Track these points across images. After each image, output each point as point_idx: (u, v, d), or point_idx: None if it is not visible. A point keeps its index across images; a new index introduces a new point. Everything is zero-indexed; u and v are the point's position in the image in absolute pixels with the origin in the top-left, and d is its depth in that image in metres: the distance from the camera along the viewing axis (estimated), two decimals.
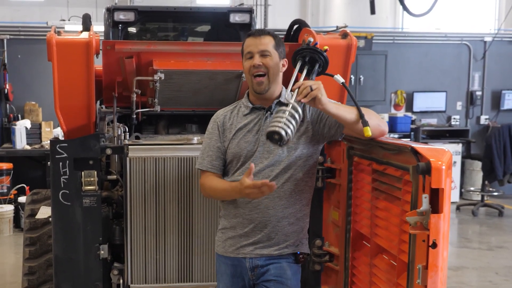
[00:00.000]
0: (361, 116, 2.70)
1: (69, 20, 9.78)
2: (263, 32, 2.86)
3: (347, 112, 2.72)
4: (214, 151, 2.93)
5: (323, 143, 3.02)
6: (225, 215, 2.97)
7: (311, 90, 2.59)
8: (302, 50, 2.83)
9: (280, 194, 2.84)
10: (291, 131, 2.57)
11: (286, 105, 2.61)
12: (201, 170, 2.98)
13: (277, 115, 2.60)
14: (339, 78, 2.82)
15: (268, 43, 2.82)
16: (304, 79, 2.78)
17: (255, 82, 2.83)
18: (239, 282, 2.93)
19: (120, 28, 5.04)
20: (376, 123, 2.79)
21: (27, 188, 8.27)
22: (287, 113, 2.58)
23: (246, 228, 2.87)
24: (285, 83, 2.95)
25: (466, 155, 10.31)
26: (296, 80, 2.76)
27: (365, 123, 2.67)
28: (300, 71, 2.84)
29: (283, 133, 2.54)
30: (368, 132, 2.66)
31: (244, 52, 2.88)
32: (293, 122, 2.59)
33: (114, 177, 3.78)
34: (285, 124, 2.55)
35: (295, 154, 2.83)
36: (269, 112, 2.88)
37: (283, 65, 2.90)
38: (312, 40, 2.88)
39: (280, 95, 2.91)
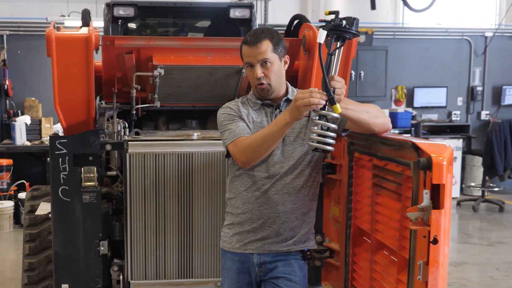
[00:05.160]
0: (328, 95, 2.53)
1: (69, 16, 9.74)
2: (258, 39, 2.74)
3: (363, 113, 2.69)
4: (242, 125, 2.80)
5: None
6: (233, 210, 2.94)
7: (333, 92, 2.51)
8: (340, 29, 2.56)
9: (289, 189, 2.83)
10: (333, 141, 2.57)
11: (323, 116, 2.56)
12: (233, 142, 2.76)
13: (317, 131, 2.56)
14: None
15: (265, 50, 2.73)
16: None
17: (259, 89, 2.80)
18: (246, 278, 2.92)
19: (119, 23, 5.02)
20: (382, 121, 2.78)
21: (27, 184, 8.27)
22: (325, 127, 2.56)
23: (255, 223, 2.86)
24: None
25: (467, 151, 10.30)
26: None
27: (333, 102, 2.53)
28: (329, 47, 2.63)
29: (328, 148, 2.56)
30: (338, 109, 2.53)
31: (243, 60, 2.83)
32: (332, 134, 2.57)
33: (114, 173, 3.78)
34: (326, 137, 2.55)
35: (304, 150, 2.82)
36: (278, 110, 2.87)
37: (285, 62, 2.86)
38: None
39: (287, 92, 2.90)
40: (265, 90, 2.79)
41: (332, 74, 2.60)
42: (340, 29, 2.56)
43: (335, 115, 2.56)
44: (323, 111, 2.56)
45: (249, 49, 2.76)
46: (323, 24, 2.58)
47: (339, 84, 2.53)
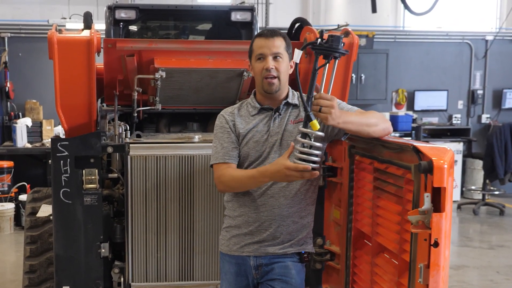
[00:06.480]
0: (305, 111, 2.59)
1: (70, 18, 9.75)
2: (275, 33, 2.83)
3: (362, 125, 2.72)
4: (228, 143, 2.87)
5: (327, 142, 3.02)
6: (230, 213, 2.96)
7: (320, 110, 2.54)
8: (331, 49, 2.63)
9: (286, 193, 2.84)
10: (317, 159, 2.58)
11: (306, 135, 2.58)
12: (216, 165, 2.87)
13: (300, 149, 2.57)
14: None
15: (280, 45, 2.81)
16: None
17: (266, 82, 2.82)
18: (243, 280, 2.93)
19: (121, 26, 5.03)
20: (382, 127, 2.79)
21: (28, 186, 8.27)
22: (308, 145, 2.58)
23: (251, 226, 2.87)
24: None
25: (467, 154, 10.30)
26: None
27: (309, 119, 2.57)
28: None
29: (312, 165, 2.58)
30: (316, 126, 2.55)
31: (254, 53, 2.85)
32: (316, 152, 2.58)
33: (115, 175, 3.77)
34: (310, 156, 2.56)
35: None
36: (277, 113, 2.88)
37: (291, 66, 2.89)
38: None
39: (287, 96, 2.92)
40: (272, 84, 2.81)
41: (321, 91, 2.65)
42: (315, 47, 2.62)
43: (319, 133, 2.57)
44: (306, 129, 2.57)
45: (264, 41, 2.81)
46: (331, 28, 2.62)
47: (327, 103, 2.54)
